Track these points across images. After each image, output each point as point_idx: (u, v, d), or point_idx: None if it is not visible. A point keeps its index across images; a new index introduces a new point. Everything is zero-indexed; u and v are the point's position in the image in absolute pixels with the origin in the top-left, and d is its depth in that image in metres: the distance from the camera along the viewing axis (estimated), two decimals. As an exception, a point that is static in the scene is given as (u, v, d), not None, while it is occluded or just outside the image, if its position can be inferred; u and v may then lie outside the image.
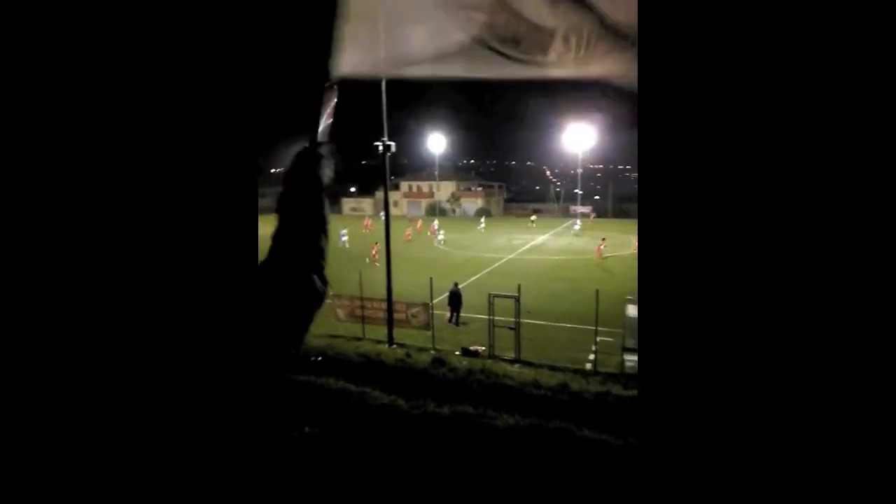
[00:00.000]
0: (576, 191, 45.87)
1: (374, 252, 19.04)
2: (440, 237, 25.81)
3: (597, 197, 46.48)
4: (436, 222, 30.19)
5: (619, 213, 40.18)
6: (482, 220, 33.52)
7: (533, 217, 35.12)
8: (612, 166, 48.61)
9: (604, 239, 21.92)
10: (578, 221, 31.86)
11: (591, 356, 9.22)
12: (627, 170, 48.59)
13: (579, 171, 43.84)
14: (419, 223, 30.41)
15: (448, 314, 11.47)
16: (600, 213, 41.70)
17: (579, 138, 42.26)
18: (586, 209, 43.36)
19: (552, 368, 8.65)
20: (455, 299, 11.45)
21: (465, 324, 11.29)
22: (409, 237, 26.06)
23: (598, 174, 48.92)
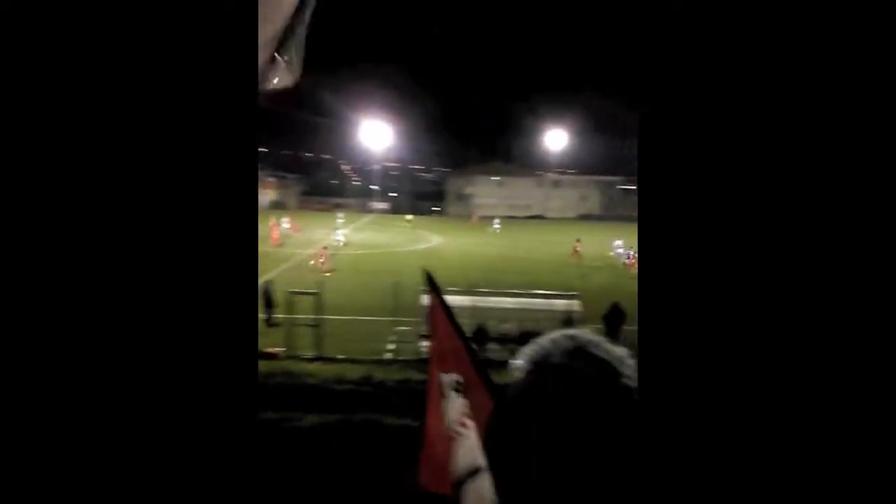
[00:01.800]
0: (372, 186, 46.90)
1: (321, 257, 15.81)
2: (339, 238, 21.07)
3: (395, 194, 48.40)
4: (284, 220, 25.87)
5: (414, 210, 42.64)
6: (409, 217, 31.84)
7: (409, 217, 34.04)
8: (408, 166, 51.20)
9: (578, 240, 21.67)
10: (497, 221, 31.98)
11: (391, 346, 9.63)
12: (422, 169, 51.84)
13: (377, 167, 44.93)
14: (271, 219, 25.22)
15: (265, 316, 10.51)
16: (397, 209, 43.57)
17: (376, 136, 43.34)
18: (385, 205, 44.77)
19: (354, 362, 8.72)
20: (266, 298, 10.57)
21: (277, 325, 10.50)
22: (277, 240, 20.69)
23: (395, 172, 50.97)
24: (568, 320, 9.43)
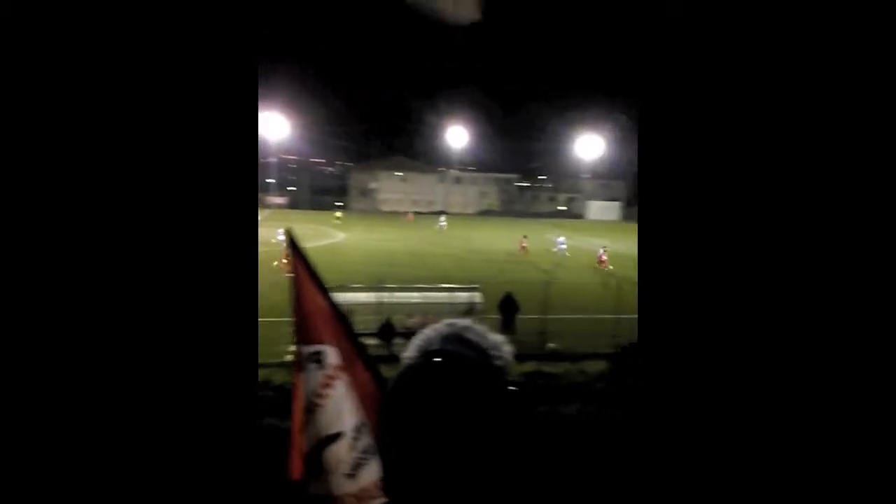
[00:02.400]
0: (268, 180, 44.35)
1: (284, 257, 13.41)
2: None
3: (294, 188, 46.20)
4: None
5: (315, 205, 41.09)
6: (338, 214, 29.75)
7: (338, 214, 31.72)
8: (308, 159, 49.11)
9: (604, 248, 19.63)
10: (443, 219, 31.09)
11: (293, 347, 9.24)
12: (322, 163, 50.05)
13: (273, 160, 42.54)
14: None
15: None
16: (296, 204, 41.64)
17: (272, 128, 40.98)
18: (282, 199, 42.55)
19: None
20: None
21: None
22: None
23: (293, 165, 48.65)
24: (470, 311, 9.80)
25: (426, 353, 0.60)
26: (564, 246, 20.89)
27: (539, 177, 51.90)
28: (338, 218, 30.75)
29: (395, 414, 0.56)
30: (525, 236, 22.56)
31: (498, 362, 0.60)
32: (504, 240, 24.60)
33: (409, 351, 0.62)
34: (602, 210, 47.00)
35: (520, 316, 10.33)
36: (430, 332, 0.63)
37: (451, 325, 0.63)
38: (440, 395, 0.55)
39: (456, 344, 0.60)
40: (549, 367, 7.77)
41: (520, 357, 8.25)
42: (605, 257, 18.32)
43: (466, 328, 0.62)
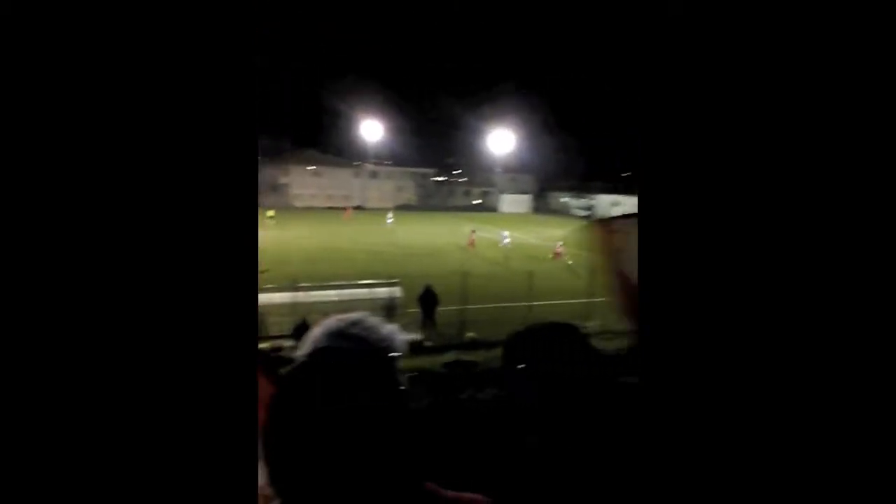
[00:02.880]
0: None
1: None
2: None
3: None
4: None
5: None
6: (270, 213, 27.60)
7: (270, 213, 28.94)
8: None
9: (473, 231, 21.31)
10: (391, 215, 30.36)
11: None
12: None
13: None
14: None
15: None
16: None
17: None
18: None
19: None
20: None
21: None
22: None
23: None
24: (390, 306, 9.78)
25: (311, 353, 0.60)
26: (508, 240, 22.03)
27: (454, 171, 52.79)
28: (270, 217, 28.44)
29: (280, 414, 0.56)
30: (474, 231, 23.47)
31: (387, 354, 0.60)
32: (436, 234, 24.97)
33: (300, 350, 0.61)
34: (514, 203, 48.96)
35: (441, 308, 10.50)
36: (320, 330, 0.62)
37: (340, 321, 0.62)
38: (321, 393, 0.55)
39: (342, 339, 0.60)
40: (468, 356, 8.00)
41: (441, 348, 8.39)
42: (561, 249, 19.18)
43: (354, 322, 0.62)
